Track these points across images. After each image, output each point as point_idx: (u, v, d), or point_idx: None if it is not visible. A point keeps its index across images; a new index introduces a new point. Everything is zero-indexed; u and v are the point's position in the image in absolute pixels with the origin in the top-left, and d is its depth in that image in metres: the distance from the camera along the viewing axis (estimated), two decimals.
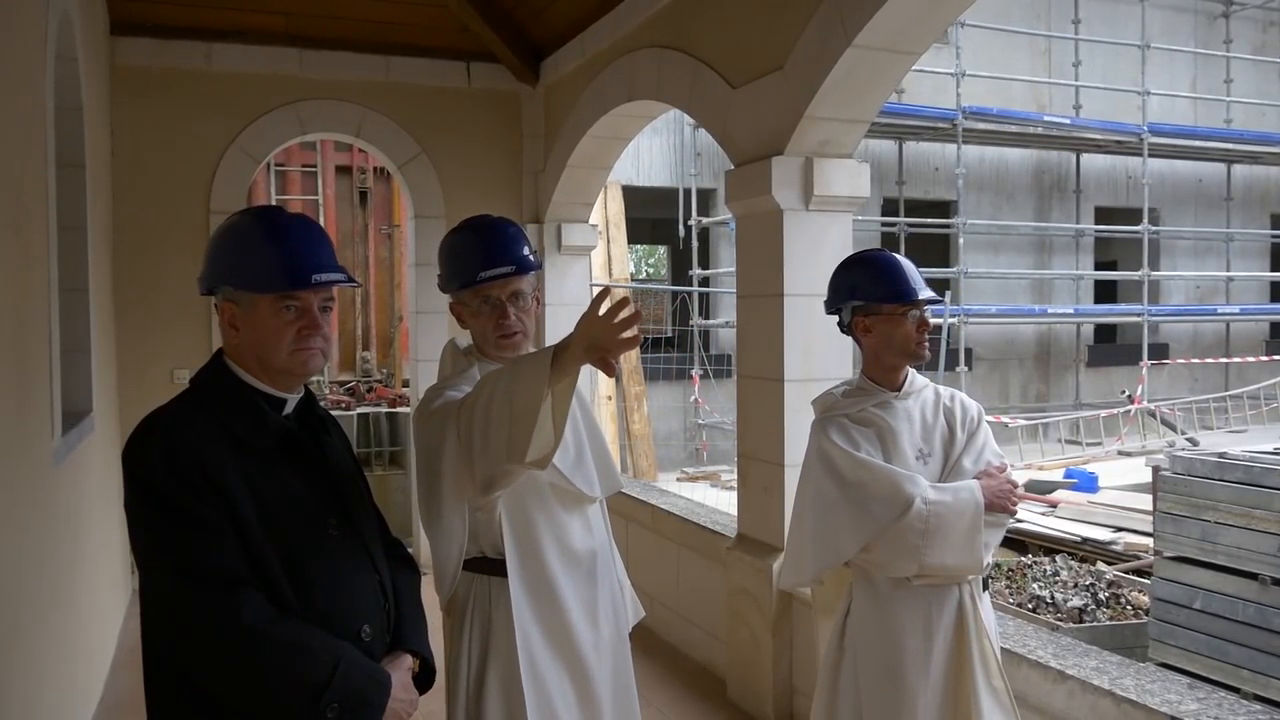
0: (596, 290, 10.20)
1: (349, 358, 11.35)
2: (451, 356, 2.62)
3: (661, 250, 26.35)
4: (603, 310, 1.86)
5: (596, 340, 1.87)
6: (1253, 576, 5.26)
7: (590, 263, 8.42)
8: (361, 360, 11.28)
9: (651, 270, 29.41)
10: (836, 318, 2.86)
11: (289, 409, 1.94)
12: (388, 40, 6.96)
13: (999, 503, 2.61)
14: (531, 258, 2.54)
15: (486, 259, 2.49)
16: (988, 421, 2.87)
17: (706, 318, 13.82)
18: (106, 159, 6.19)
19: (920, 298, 2.71)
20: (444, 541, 2.44)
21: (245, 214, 1.98)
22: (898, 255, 2.81)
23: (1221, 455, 5.82)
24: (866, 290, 2.74)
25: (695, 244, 13.77)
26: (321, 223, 11.02)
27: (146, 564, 1.79)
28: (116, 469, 5.15)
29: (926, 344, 2.75)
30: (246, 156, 6.83)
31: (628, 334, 1.86)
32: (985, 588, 2.73)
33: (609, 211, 11.33)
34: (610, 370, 1.91)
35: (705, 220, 13.94)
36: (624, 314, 1.85)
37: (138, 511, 1.78)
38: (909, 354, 2.73)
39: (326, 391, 9.75)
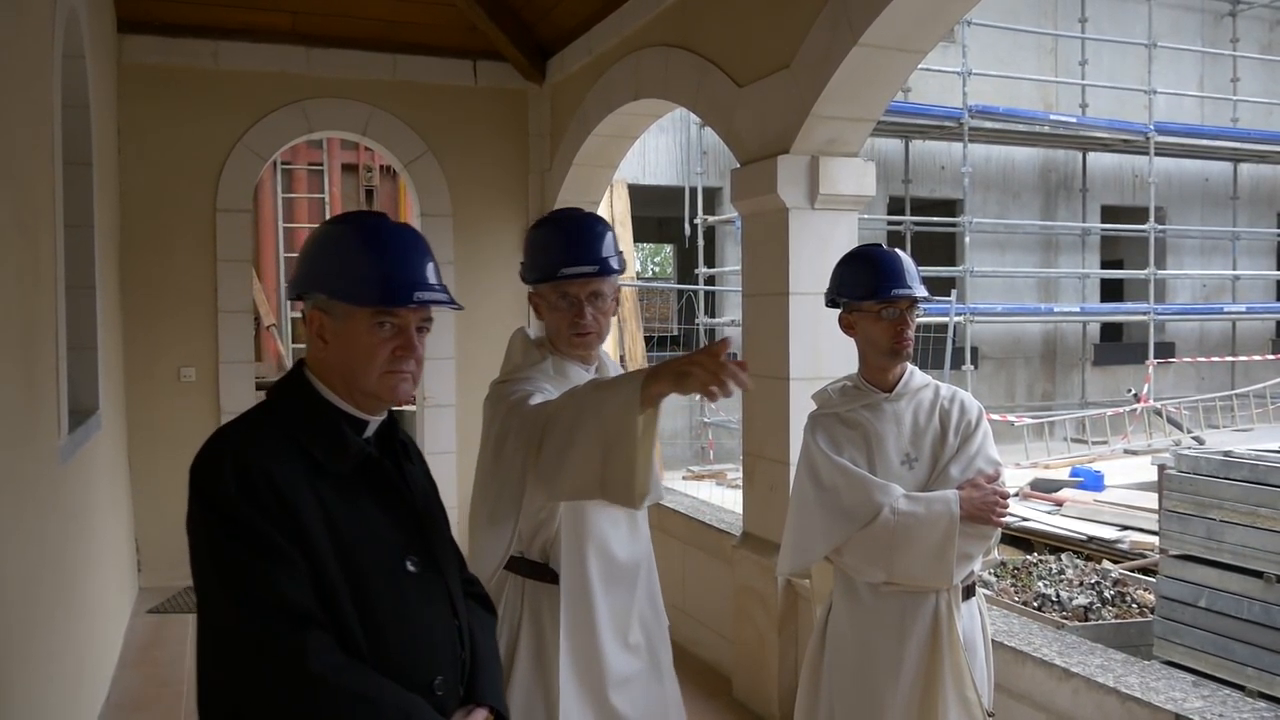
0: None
1: None
2: (522, 346, 2.57)
3: (667, 249, 26.37)
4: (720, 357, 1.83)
5: (699, 377, 1.83)
6: (1258, 575, 5.25)
7: None
8: None
9: (657, 269, 29.43)
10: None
11: (369, 431, 1.79)
12: (395, 39, 6.98)
13: (980, 515, 2.55)
14: (616, 261, 2.48)
15: (570, 255, 2.43)
16: (993, 421, 2.82)
17: (712, 316, 13.82)
18: (114, 157, 6.21)
19: (895, 295, 2.63)
20: (493, 542, 2.38)
21: (348, 218, 1.83)
22: (895, 251, 2.75)
23: (1227, 454, 5.81)
24: (850, 287, 2.72)
25: (701, 242, 13.77)
26: None
27: (207, 591, 1.63)
28: (123, 466, 5.15)
29: (907, 343, 2.67)
30: (253, 154, 6.85)
31: (727, 380, 1.81)
32: (970, 595, 2.70)
33: (615, 210, 11.33)
34: (713, 396, 1.86)
35: (711, 219, 13.95)
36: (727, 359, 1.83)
37: (203, 533, 1.63)
38: (885, 352, 2.67)
39: None
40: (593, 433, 2.03)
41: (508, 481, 2.30)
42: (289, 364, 10.45)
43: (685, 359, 1.89)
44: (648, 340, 11.71)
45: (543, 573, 2.46)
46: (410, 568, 1.73)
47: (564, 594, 2.42)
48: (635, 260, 13.36)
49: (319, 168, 11.09)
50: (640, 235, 14.15)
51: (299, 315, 1.75)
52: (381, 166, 11.22)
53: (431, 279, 1.74)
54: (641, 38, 5.76)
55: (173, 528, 7.05)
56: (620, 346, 11.01)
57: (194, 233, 6.67)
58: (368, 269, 1.69)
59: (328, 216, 10.96)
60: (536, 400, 2.32)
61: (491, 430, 2.38)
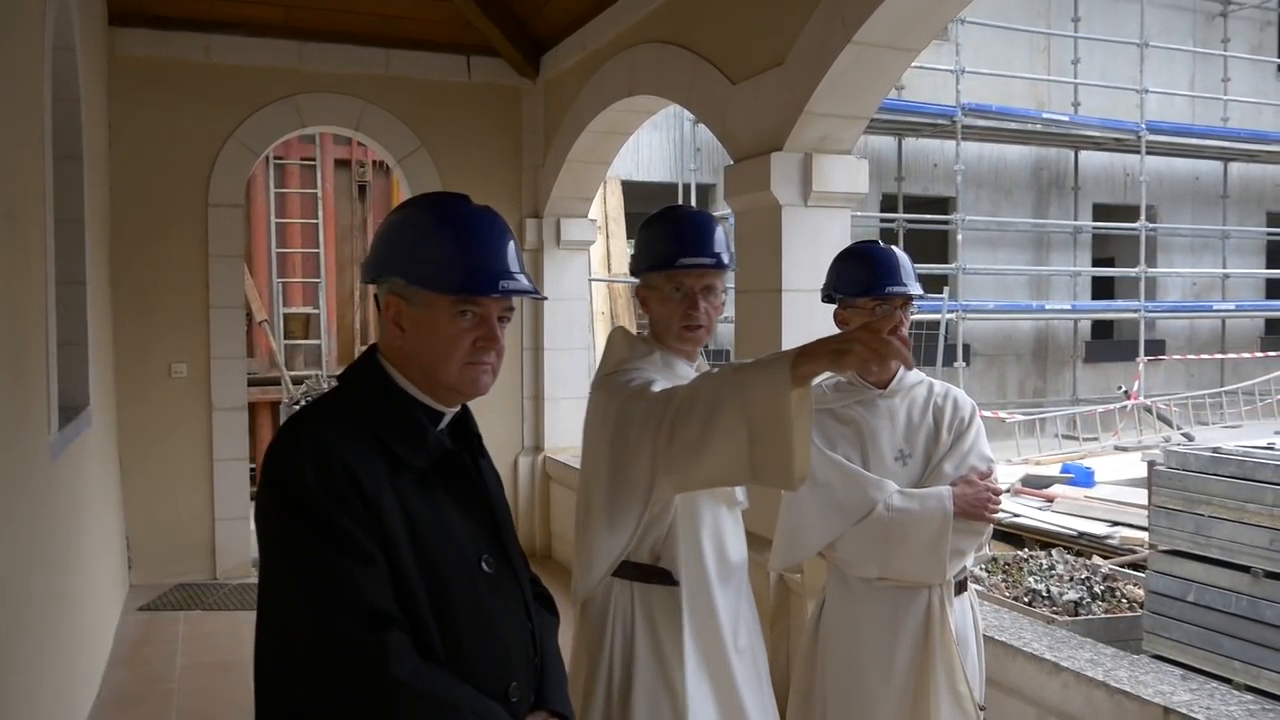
0: (592, 284, 10.19)
1: (347, 352, 11.36)
2: (627, 341, 2.53)
3: None
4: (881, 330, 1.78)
5: (859, 354, 1.77)
6: (1245, 569, 5.29)
7: (589, 258, 8.44)
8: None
9: None
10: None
11: (443, 424, 1.71)
12: (388, 33, 6.96)
13: (973, 511, 2.57)
14: (728, 257, 2.47)
15: (688, 246, 2.43)
16: (985, 417, 2.84)
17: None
18: (104, 151, 6.20)
19: (889, 292, 2.64)
20: (610, 539, 2.31)
21: (429, 200, 1.75)
22: (891, 248, 2.76)
23: (1216, 450, 5.85)
24: (846, 283, 2.73)
25: None
26: (319, 217, 11.05)
27: (280, 587, 1.55)
28: (114, 463, 5.14)
29: (902, 340, 2.62)
30: (245, 149, 6.83)
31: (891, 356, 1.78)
32: (962, 590, 2.72)
33: (608, 206, 11.33)
34: (869, 373, 1.88)
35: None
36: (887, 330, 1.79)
37: (279, 527, 1.54)
38: None
39: (324, 386, 9.76)
40: (736, 415, 1.94)
41: (633, 472, 2.23)
42: (281, 359, 10.43)
43: (843, 336, 1.84)
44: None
45: (653, 574, 2.38)
46: (486, 568, 1.66)
47: (685, 594, 2.35)
48: (629, 257, 13.36)
49: (312, 163, 11.07)
50: (634, 232, 14.14)
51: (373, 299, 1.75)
52: (375, 162, 11.21)
53: (514, 267, 1.66)
54: (635, 34, 5.76)
55: (163, 524, 7.06)
56: None
57: (186, 227, 6.65)
58: (451, 254, 1.62)
59: (320, 212, 11.00)
60: (659, 388, 2.25)
61: (608, 420, 2.31)
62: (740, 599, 2.48)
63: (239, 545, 6.79)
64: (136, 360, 6.52)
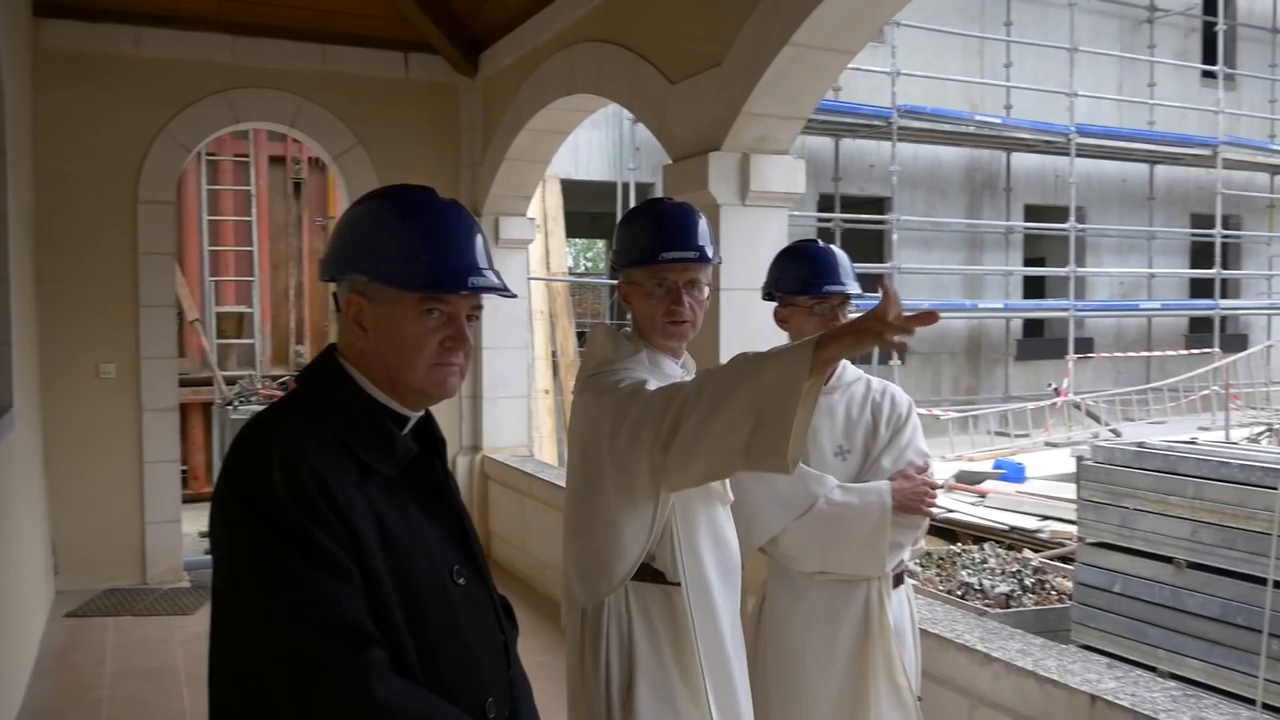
0: (531, 283, 10.16)
1: (282, 351, 11.19)
2: (611, 339, 2.44)
3: (600, 244, 26.37)
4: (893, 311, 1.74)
5: (877, 330, 1.75)
6: (1168, 560, 5.45)
7: (528, 256, 8.41)
8: (295, 354, 11.13)
9: (590, 264, 29.41)
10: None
11: (407, 428, 1.62)
12: (324, 29, 6.87)
13: (911, 505, 2.62)
14: (711, 249, 2.38)
15: (670, 240, 2.34)
16: (920, 415, 2.90)
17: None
18: (29, 146, 6.03)
19: (827, 291, 2.68)
20: (625, 541, 2.24)
21: (392, 193, 1.64)
22: (830, 248, 2.80)
23: (1140, 445, 6.02)
24: (785, 282, 2.77)
25: None
26: (253, 214, 10.86)
27: (247, 606, 1.43)
28: (38, 467, 5.02)
29: None
30: (177, 145, 6.69)
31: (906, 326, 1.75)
32: (899, 583, 2.78)
33: (547, 205, 11.30)
34: (892, 345, 1.79)
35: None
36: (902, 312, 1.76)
37: (246, 543, 1.43)
38: None
39: (259, 386, 9.61)
40: (746, 399, 1.92)
41: (636, 474, 2.17)
42: (213, 359, 10.24)
43: (862, 319, 1.80)
44: (579, 336, 11.70)
45: (647, 574, 2.29)
46: (458, 580, 1.59)
47: (691, 596, 2.26)
48: (568, 255, 13.34)
49: (245, 159, 10.88)
50: (573, 230, 14.13)
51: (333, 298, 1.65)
52: (310, 159, 11.05)
53: (483, 263, 1.58)
54: (575, 33, 5.76)
55: (91, 528, 6.90)
56: (552, 342, 10.99)
57: (115, 225, 6.51)
58: (417, 250, 1.53)
59: (254, 210, 10.83)
60: (653, 386, 2.20)
61: (602, 424, 2.24)
62: (737, 599, 2.42)
63: (170, 549, 6.66)
64: (63, 361, 6.36)
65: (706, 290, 2.40)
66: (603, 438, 2.24)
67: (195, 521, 8.19)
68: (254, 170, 10.90)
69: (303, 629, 1.38)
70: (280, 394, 8.70)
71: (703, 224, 2.41)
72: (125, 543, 6.57)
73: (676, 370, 2.40)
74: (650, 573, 2.30)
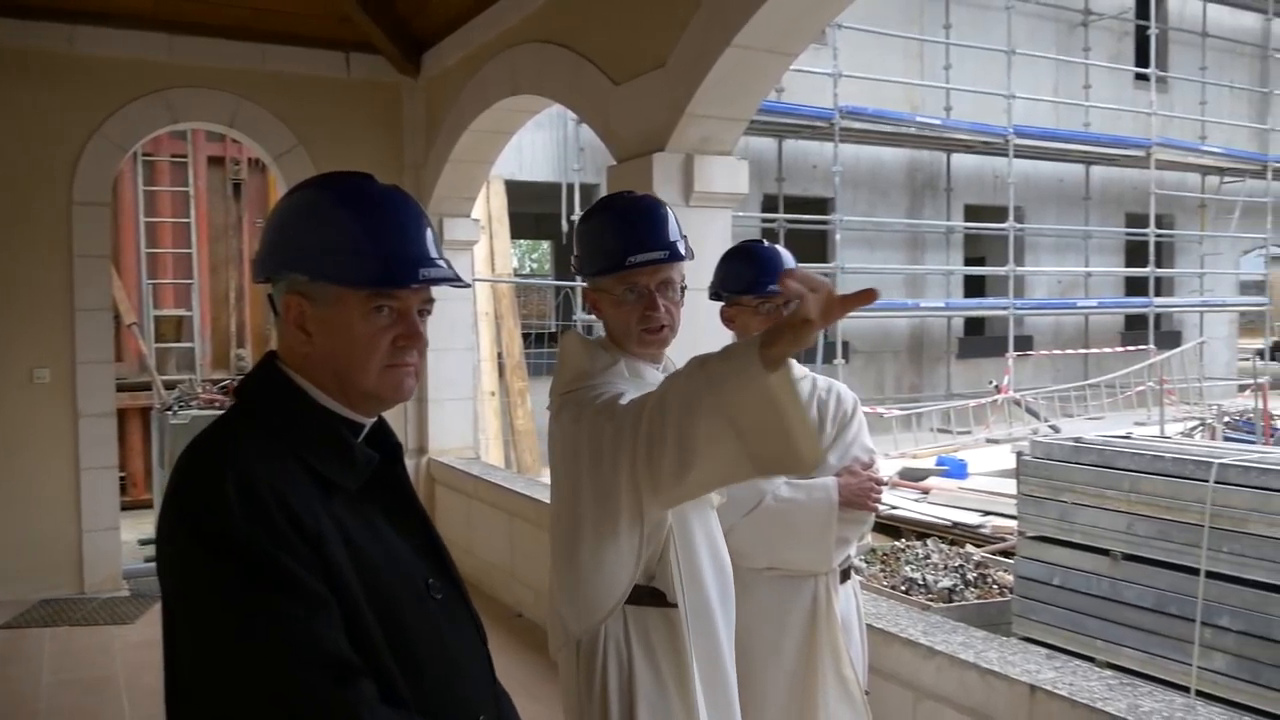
0: (476, 284, 10.10)
1: (223, 355, 11.01)
2: (585, 349, 2.25)
3: (545, 245, 26.27)
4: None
5: (814, 317, 1.57)
6: (1105, 552, 5.58)
7: (473, 257, 8.37)
8: (236, 358, 10.96)
9: (535, 265, 29.31)
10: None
11: (361, 436, 1.51)
12: (263, 27, 6.78)
13: (858, 501, 2.66)
14: (684, 245, 2.23)
15: (636, 240, 2.17)
16: (865, 413, 2.94)
17: (590, 313, 13.81)
18: None
19: (771, 290, 2.71)
20: (609, 571, 2.09)
21: (328, 181, 1.50)
22: (775, 247, 2.84)
23: (1078, 440, 6.14)
24: (731, 281, 2.81)
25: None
26: (192, 217, 10.67)
27: (211, 647, 1.29)
28: None
29: None
30: (112, 145, 6.56)
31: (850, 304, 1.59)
32: (846, 578, 2.81)
33: (491, 206, 11.24)
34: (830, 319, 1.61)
35: (577, 224, 13.89)
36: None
37: (205, 577, 1.29)
38: None
39: (199, 390, 9.44)
40: (715, 417, 1.74)
41: (616, 499, 2.02)
42: (151, 363, 10.05)
43: (796, 310, 1.62)
44: (525, 337, 11.67)
45: (646, 595, 2.15)
46: (435, 595, 1.48)
47: (690, 618, 2.13)
48: (513, 257, 13.29)
49: (183, 160, 10.68)
50: (517, 232, 14.07)
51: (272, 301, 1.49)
52: (250, 159, 10.88)
53: (433, 252, 1.46)
54: (518, 33, 5.74)
55: (25, 537, 6.75)
56: (498, 343, 10.95)
57: (48, 226, 6.36)
58: (361, 242, 1.41)
59: (192, 211, 10.64)
60: (628, 399, 2.04)
61: (581, 445, 2.09)
62: (733, 614, 2.30)
63: (108, 557, 6.52)
64: None
65: (682, 289, 2.26)
66: (582, 465, 2.10)
67: (134, 529, 8.02)
68: (192, 171, 10.71)
69: (280, 667, 1.26)
70: (221, 398, 8.61)
71: (671, 217, 2.27)
72: (62, 551, 6.42)
73: (658, 376, 2.23)
74: (650, 594, 2.16)
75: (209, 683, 1.30)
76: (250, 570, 1.27)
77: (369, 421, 1.51)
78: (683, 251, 2.21)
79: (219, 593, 1.28)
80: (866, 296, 1.59)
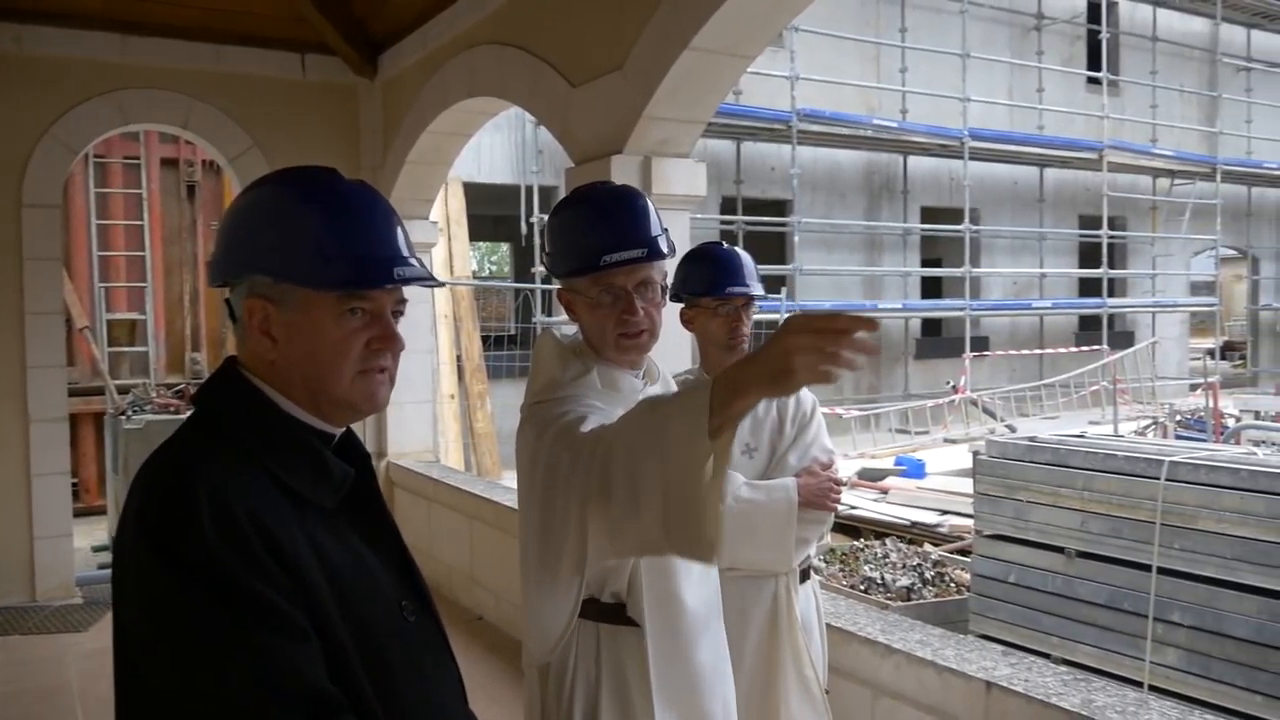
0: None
1: (177, 359, 10.86)
2: (558, 355, 2.08)
3: (504, 247, 26.21)
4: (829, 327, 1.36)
5: (808, 369, 1.37)
6: (1060, 550, 5.66)
7: (432, 259, 8.33)
8: (191, 362, 10.82)
9: (494, 268, 29.22)
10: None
11: (330, 447, 1.43)
12: (218, 28, 6.69)
13: (817, 501, 2.68)
14: (665, 241, 2.03)
15: (612, 238, 1.97)
16: (824, 413, 2.96)
17: (549, 315, 13.84)
18: None
19: (730, 292, 2.72)
20: (557, 603, 1.95)
21: (291, 176, 1.41)
22: (735, 250, 2.85)
23: (1033, 439, 6.22)
24: (690, 283, 2.81)
25: (537, 241, 13.74)
26: (145, 220, 10.52)
27: (181, 684, 1.19)
28: None
29: (742, 338, 2.77)
30: (63, 147, 6.45)
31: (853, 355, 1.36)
32: (806, 578, 2.84)
33: (450, 208, 11.19)
34: (830, 379, 1.39)
35: (547, 217, 13.90)
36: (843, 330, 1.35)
37: (175, 607, 1.19)
38: (721, 346, 2.77)
39: (153, 395, 9.31)
40: (656, 473, 1.57)
41: (566, 530, 1.84)
42: (104, 368, 9.89)
43: (780, 349, 1.38)
44: (485, 340, 11.62)
45: (619, 615, 2.01)
46: (409, 615, 1.41)
47: (652, 648, 1.97)
48: (472, 259, 13.23)
49: (136, 161, 10.53)
50: (476, 234, 14.03)
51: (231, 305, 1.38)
52: (205, 161, 10.75)
53: (405, 250, 1.38)
54: (476, 35, 5.72)
55: None
56: (457, 346, 10.90)
57: None
58: (330, 241, 1.32)
59: (145, 214, 10.49)
60: (591, 424, 1.85)
61: (537, 467, 1.92)
62: (720, 645, 2.13)
63: (61, 564, 6.41)
64: None
65: (662, 289, 2.08)
66: (535, 493, 1.94)
67: (88, 535, 7.89)
68: (145, 173, 10.57)
69: (258, 706, 1.17)
70: (177, 403, 8.49)
71: (652, 210, 2.07)
72: (12, 559, 6.30)
73: (636, 384, 2.09)
74: (625, 615, 2.01)
75: (169, 711, 1.21)
76: (226, 600, 1.18)
77: (339, 432, 1.43)
78: (663, 248, 2.02)
79: (188, 625, 1.18)
80: (869, 347, 1.38)
